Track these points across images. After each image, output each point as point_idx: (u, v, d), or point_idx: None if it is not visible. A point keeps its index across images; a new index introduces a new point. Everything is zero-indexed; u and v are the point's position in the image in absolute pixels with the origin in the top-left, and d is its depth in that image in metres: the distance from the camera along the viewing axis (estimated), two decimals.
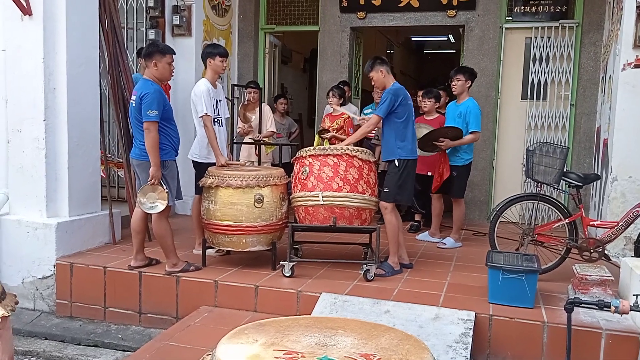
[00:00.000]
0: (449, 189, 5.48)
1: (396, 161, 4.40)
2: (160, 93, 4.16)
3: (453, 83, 5.42)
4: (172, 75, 4.45)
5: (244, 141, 6.51)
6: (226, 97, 5.23)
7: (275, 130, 6.61)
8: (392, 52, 11.75)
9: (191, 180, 4.89)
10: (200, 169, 4.68)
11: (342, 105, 6.40)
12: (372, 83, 4.62)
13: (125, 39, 5.82)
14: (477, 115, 5.29)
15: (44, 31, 4.54)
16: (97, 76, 5.03)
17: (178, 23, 6.61)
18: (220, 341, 2.02)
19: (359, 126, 6.89)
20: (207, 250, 4.61)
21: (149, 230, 4.85)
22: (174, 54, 4.39)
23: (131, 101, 4.27)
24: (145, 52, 4.31)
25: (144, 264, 4.42)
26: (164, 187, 4.21)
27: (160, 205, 4.19)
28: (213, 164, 4.65)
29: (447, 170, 5.34)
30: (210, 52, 4.75)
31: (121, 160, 5.50)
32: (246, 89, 6.58)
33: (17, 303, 2.56)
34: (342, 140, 5.91)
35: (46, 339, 4.29)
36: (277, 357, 1.86)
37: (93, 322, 4.44)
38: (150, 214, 4.28)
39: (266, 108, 6.62)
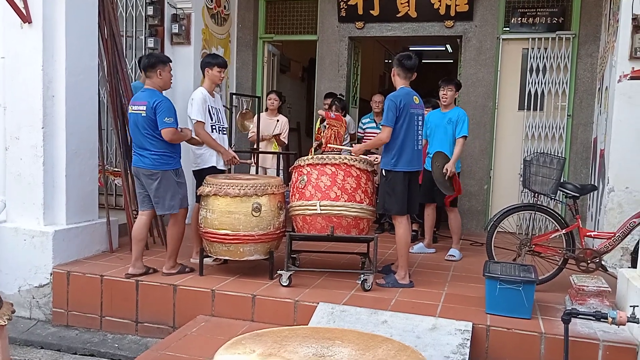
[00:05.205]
0: (443, 199, 5.47)
1: (383, 170, 4.40)
2: (170, 101, 4.30)
3: (444, 92, 5.45)
4: (172, 83, 4.52)
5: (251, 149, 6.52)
6: (224, 106, 5.25)
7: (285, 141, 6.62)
8: (390, 61, 11.79)
9: (192, 188, 4.90)
10: (200, 176, 4.70)
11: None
12: None
13: (124, 47, 5.83)
14: (467, 121, 5.39)
15: (43, 39, 4.55)
16: (96, 84, 5.04)
17: (177, 32, 6.63)
18: (218, 351, 2.02)
19: (354, 133, 6.95)
20: (205, 259, 4.61)
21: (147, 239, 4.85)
22: (171, 62, 4.50)
23: (135, 111, 4.27)
24: (148, 63, 4.34)
25: (141, 272, 4.42)
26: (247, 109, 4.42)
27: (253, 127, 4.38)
28: (206, 170, 4.68)
29: (458, 183, 5.36)
30: (209, 62, 4.79)
31: (118, 169, 5.49)
32: (267, 97, 6.70)
33: (13, 312, 2.55)
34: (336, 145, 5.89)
35: (42, 348, 4.26)
36: None
37: (89, 331, 4.42)
38: (164, 218, 4.37)
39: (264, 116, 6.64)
